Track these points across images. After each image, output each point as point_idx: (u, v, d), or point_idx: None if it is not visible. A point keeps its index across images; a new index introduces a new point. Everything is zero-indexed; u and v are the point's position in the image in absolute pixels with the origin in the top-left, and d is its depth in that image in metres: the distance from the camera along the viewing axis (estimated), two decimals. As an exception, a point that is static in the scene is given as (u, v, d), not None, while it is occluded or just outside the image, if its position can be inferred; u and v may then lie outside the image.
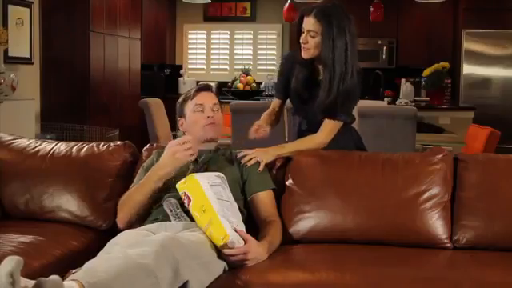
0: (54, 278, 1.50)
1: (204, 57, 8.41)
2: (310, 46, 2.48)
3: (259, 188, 2.33)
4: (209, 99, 2.44)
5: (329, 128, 2.56)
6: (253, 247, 2.02)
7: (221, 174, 2.19)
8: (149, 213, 2.27)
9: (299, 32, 2.52)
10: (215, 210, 1.99)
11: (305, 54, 2.52)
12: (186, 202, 2.08)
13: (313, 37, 2.46)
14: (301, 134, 2.75)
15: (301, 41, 2.50)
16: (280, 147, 2.55)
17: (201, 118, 2.40)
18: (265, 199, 2.33)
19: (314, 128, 2.62)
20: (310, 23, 2.46)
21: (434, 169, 2.36)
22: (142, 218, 2.26)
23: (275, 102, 2.84)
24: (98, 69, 5.74)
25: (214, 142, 2.47)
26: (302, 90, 2.62)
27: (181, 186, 2.11)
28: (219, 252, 1.98)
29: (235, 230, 2.00)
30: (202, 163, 2.35)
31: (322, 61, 2.49)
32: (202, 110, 2.41)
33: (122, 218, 2.30)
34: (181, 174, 2.23)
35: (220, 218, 1.98)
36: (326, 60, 2.46)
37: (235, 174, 2.34)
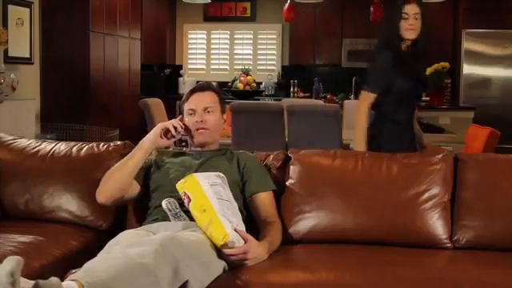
0: (53, 279, 1.50)
1: (204, 57, 8.42)
2: (415, 27, 2.98)
3: (260, 189, 2.33)
4: (201, 101, 2.41)
5: None
6: (253, 247, 2.02)
7: (221, 174, 2.19)
8: (145, 209, 2.27)
9: (399, 17, 2.98)
10: (215, 209, 1.99)
11: (413, 35, 2.99)
12: (185, 201, 2.07)
13: (418, 19, 2.98)
14: (395, 125, 3.05)
15: (408, 23, 2.97)
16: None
17: (191, 122, 2.40)
18: (265, 200, 2.32)
19: (409, 115, 3.07)
20: (414, 8, 2.98)
21: (433, 169, 2.36)
22: (123, 191, 2.28)
23: (372, 97, 3.03)
24: (97, 69, 5.73)
25: (214, 145, 2.45)
26: (414, 68, 3.03)
27: (181, 185, 2.11)
28: (219, 252, 1.98)
29: (235, 230, 2.00)
30: (202, 163, 2.35)
31: (422, 39, 3.00)
32: (193, 113, 2.40)
33: (102, 188, 2.30)
34: (181, 173, 2.23)
35: (220, 218, 1.98)
36: (426, 38, 2.99)
37: (235, 174, 2.33)
